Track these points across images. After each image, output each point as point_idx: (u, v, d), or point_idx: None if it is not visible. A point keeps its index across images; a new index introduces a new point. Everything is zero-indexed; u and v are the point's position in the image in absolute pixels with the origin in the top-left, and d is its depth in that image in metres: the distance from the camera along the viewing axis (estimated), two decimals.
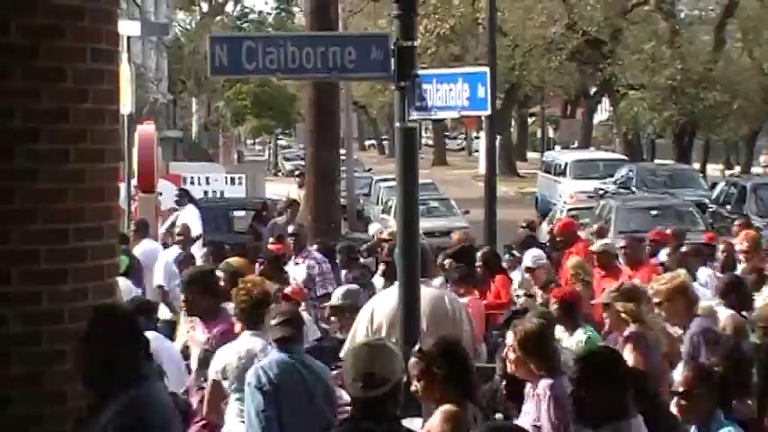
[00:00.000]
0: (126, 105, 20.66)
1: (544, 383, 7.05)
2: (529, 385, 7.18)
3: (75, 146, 5.39)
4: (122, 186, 17.68)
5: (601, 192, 34.91)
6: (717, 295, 10.43)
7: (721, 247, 14.44)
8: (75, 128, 5.39)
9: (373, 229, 20.90)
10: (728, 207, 30.08)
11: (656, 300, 8.77)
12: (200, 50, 54.29)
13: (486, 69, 8.79)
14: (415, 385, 6.21)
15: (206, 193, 30.74)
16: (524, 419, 7.05)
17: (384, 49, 8.30)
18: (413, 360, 6.26)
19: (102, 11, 5.58)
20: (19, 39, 5.25)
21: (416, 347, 6.48)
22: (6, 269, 5.25)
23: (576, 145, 60.11)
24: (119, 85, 5.78)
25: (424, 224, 20.62)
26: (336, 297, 10.63)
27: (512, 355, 7.24)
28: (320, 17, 15.58)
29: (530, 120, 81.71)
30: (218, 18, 75.25)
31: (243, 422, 7.87)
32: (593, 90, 61.74)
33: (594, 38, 48.39)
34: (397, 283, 8.47)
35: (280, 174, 68.58)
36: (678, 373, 6.93)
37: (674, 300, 8.67)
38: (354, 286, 11.55)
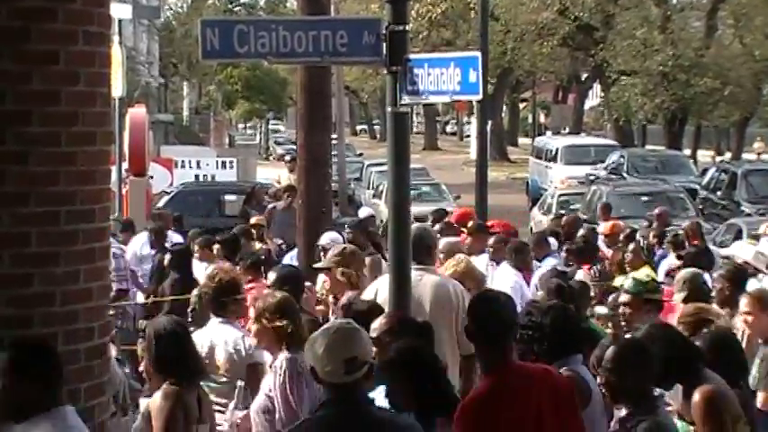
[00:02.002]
0: (117, 89, 20.67)
1: (281, 357, 7.22)
2: (272, 358, 7.34)
3: (67, 129, 5.39)
4: (113, 169, 17.66)
5: (592, 177, 34.95)
6: None
7: None
8: (67, 111, 5.38)
9: (363, 212, 20.90)
10: (719, 193, 30.15)
11: None
12: (192, 34, 54.22)
13: (478, 54, 8.77)
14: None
15: (197, 176, 30.75)
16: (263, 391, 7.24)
17: (376, 34, 8.29)
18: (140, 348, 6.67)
19: None
20: (10, 21, 5.24)
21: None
22: None
23: (567, 130, 60.14)
24: (110, 68, 5.77)
25: (415, 209, 20.61)
26: None
27: (254, 327, 7.46)
28: (312, 1, 15.50)
29: (521, 105, 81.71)
30: (210, 1, 75.11)
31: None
32: (584, 76, 61.76)
33: (586, 23, 48.38)
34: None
35: (271, 158, 68.54)
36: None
37: (464, 282, 8.86)
38: None
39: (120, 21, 22.28)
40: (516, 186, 44.87)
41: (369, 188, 36.59)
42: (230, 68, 67.46)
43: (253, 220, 17.47)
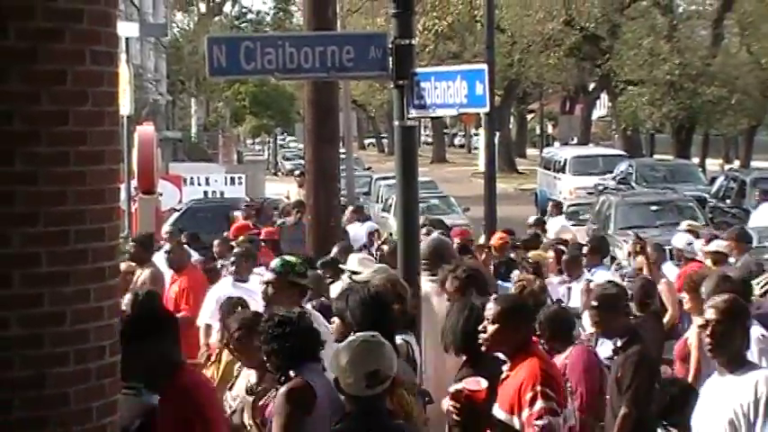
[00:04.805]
0: (125, 107, 20.73)
1: None
2: None
3: (76, 148, 5.39)
4: (122, 188, 17.67)
5: (600, 188, 34.91)
6: None
7: None
8: (75, 130, 5.39)
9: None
10: (728, 201, 30.10)
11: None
12: (199, 51, 54.26)
13: (485, 66, 8.80)
14: None
15: (206, 193, 30.79)
16: None
17: (382, 48, 8.32)
18: None
19: (101, 13, 5.57)
20: (18, 42, 5.25)
21: None
22: (7, 272, 5.25)
23: (575, 141, 60.12)
24: (118, 87, 5.78)
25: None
26: None
27: None
28: (318, 16, 15.53)
29: (529, 116, 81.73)
30: (217, 18, 75.27)
31: None
32: (591, 86, 61.78)
33: (593, 34, 48.40)
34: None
35: (279, 173, 68.60)
36: None
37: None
38: None
39: (127, 39, 22.34)
40: (525, 197, 44.83)
41: (378, 202, 36.59)
42: (238, 85, 67.58)
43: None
